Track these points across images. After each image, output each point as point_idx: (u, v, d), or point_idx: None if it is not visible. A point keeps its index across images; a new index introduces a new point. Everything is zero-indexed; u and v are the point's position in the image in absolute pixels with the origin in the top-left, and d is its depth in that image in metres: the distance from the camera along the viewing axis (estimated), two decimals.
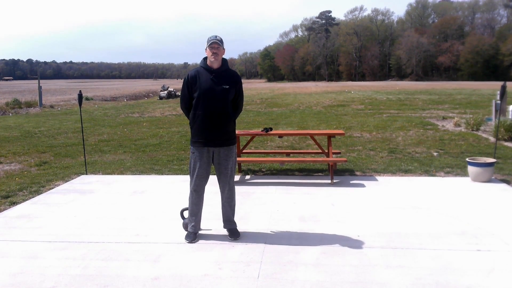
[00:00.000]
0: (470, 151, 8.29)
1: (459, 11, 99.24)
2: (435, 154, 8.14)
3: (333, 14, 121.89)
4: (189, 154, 8.40)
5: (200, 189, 4.00)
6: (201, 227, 4.20)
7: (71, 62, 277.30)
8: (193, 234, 4.03)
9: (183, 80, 3.98)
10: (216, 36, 3.85)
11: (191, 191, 4.01)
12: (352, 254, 3.65)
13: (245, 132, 6.77)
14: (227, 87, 3.84)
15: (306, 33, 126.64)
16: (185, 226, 4.26)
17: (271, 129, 6.63)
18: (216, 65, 3.86)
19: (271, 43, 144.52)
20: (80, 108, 7.31)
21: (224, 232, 4.18)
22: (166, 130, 12.58)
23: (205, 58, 3.91)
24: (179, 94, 31.35)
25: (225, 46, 3.91)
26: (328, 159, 6.31)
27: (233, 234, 4.06)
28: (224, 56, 3.94)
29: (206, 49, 3.86)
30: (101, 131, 12.64)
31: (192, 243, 3.95)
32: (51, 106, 22.88)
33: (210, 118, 3.82)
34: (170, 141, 10.36)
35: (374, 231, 4.16)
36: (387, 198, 5.29)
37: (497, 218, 4.50)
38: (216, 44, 3.80)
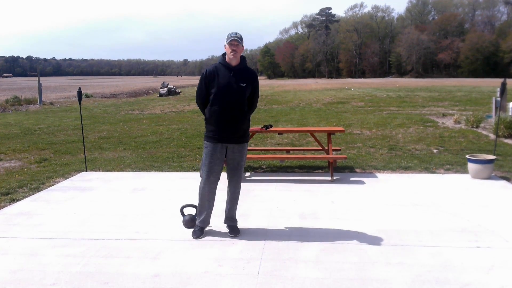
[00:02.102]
0: (470, 148, 8.29)
1: (459, 8, 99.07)
2: (435, 151, 8.14)
3: (333, 11, 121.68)
4: (189, 152, 8.43)
5: (212, 185, 3.99)
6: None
7: (70, 59, 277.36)
8: (200, 231, 4.03)
9: (200, 75, 3.99)
10: (236, 33, 3.84)
11: (203, 187, 3.99)
12: (352, 251, 3.65)
13: None
14: (245, 85, 3.83)
15: (306, 30, 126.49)
16: (185, 223, 4.27)
17: (271, 126, 6.62)
18: (234, 62, 3.86)
19: (271, 40, 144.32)
20: (80, 105, 7.30)
21: (224, 229, 4.18)
22: (166, 127, 12.57)
23: (224, 54, 3.91)
24: (179, 91, 30.93)
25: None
26: (328, 156, 6.31)
27: (234, 231, 4.07)
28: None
29: (225, 46, 3.86)
30: (101, 128, 12.63)
31: (198, 239, 3.94)
32: (51, 103, 22.86)
33: (226, 114, 3.83)
34: (170, 138, 10.36)
35: (374, 228, 4.17)
36: (387, 195, 5.30)
37: (497, 215, 4.50)
38: (235, 41, 3.80)
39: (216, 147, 3.90)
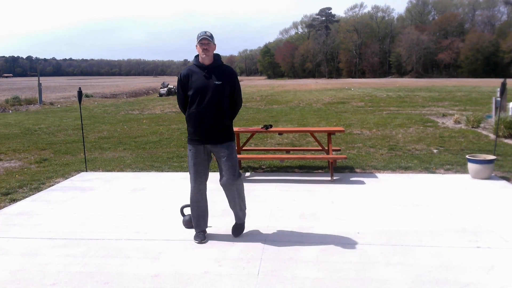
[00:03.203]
0: (470, 148, 8.29)
1: (459, 8, 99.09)
2: (435, 151, 8.14)
3: (333, 11, 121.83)
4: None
5: (201, 187, 3.93)
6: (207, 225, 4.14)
7: (70, 59, 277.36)
8: (202, 234, 3.97)
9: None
10: (205, 32, 3.79)
11: (192, 190, 3.94)
12: (352, 251, 3.65)
13: (245, 129, 6.76)
14: (220, 82, 3.76)
15: (306, 30, 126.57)
16: (185, 223, 4.27)
17: (271, 126, 6.62)
18: (207, 61, 3.80)
19: (271, 40, 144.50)
20: (80, 105, 7.30)
21: (224, 229, 4.18)
22: (166, 127, 12.57)
23: (197, 56, 3.87)
24: None
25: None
26: (328, 156, 6.31)
27: (235, 229, 4.02)
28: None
29: (196, 46, 3.80)
30: (101, 128, 12.63)
31: (202, 243, 3.90)
32: (51, 103, 22.87)
33: (204, 114, 3.77)
34: (170, 138, 10.36)
35: (374, 229, 4.17)
36: (387, 195, 5.29)
37: (497, 215, 4.50)
38: (206, 40, 3.74)
39: (199, 148, 3.84)
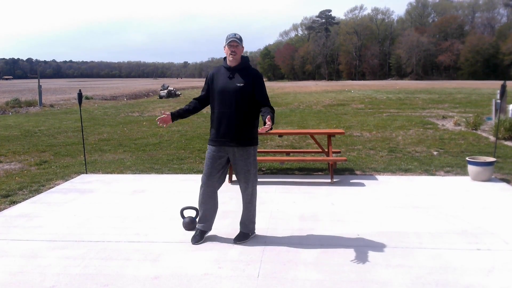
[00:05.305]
0: (470, 150, 8.29)
1: (459, 10, 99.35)
2: (435, 153, 8.14)
3: (333, 13, 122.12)
4: (189, 154, 8.45)
5: (209, 188, 3.92)
6: (210, 229, 4.11)
7: (71, 61, 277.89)
8: (200, 235, 3.96)
9: None
10: (235, 34, 3.80)
11: (200, 189, 3.96)
12: (352, 253, 3.65)
13: None
14: (242, 85, 3.75)
15: (306, 32, 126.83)
16: (185, 225, 4.27)
17: (271, 128, 6.61)
18: (234, 63, 3.82)
19: (271, 42, 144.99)
20: (80, 107, 7.31)
21: (224, 231, 4.18)
22: (166, 129, 12.58)
23: (226, 57, 3.88)
24: (179, 93, 30.99)
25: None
26: (328, 158, 6.31)
27: (239, 237, 3.98)
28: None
29: (224, 47, 3.81)
30: (101, 130, 12.64)
31: (197, 244, 3.90)
32: (51, 105, 22.87)
33: (223, 117, 3.78)
34: (170, 140, 10.37)
35: (374, 230, 4.16)
36: (387, 197, 5.29)
37: (497, 217, 4.50)
38: (235, 42, 3.76)
39: (216, 151, 3.85)
